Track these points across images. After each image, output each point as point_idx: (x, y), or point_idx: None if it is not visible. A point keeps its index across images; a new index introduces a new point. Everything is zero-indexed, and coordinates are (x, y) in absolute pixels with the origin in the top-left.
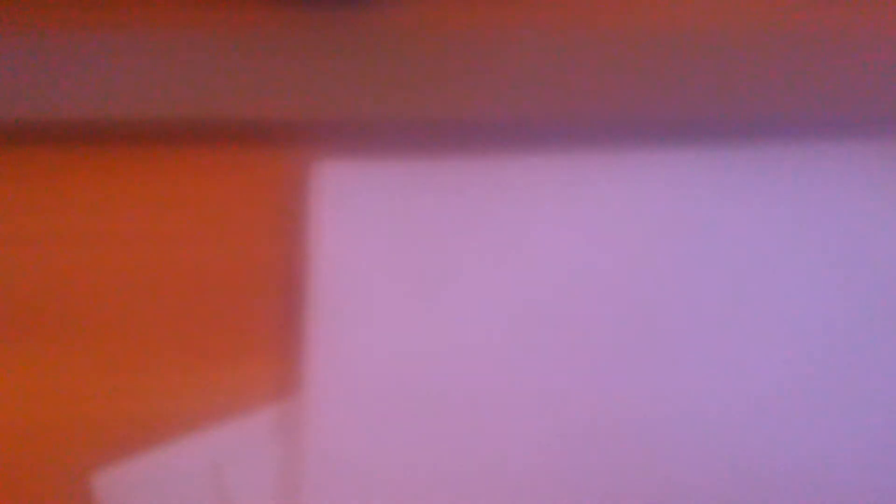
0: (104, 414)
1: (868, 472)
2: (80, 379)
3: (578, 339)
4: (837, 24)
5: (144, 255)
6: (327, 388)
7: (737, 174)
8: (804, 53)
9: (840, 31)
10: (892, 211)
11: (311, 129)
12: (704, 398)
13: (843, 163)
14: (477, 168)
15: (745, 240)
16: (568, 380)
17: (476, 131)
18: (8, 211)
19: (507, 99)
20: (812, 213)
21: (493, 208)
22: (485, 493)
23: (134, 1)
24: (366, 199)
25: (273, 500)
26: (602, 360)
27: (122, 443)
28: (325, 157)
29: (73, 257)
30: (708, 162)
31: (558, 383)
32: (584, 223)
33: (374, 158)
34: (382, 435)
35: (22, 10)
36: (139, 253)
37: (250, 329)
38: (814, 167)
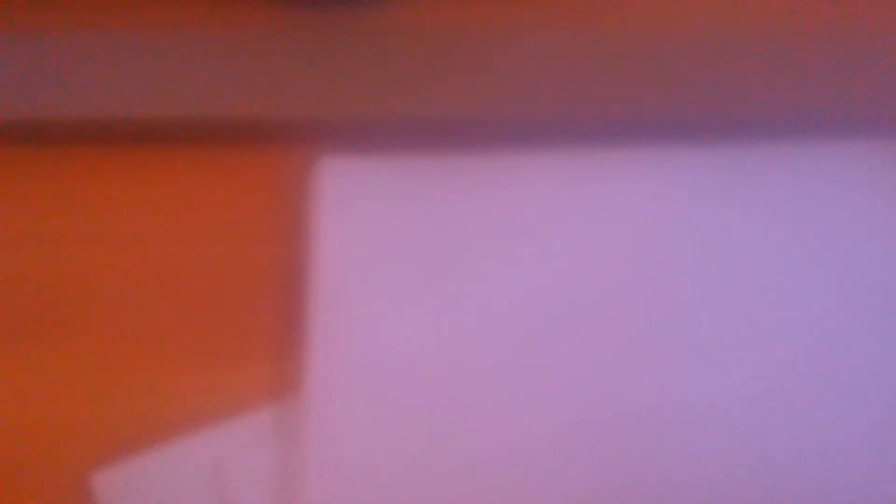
0: (104, 414)
1: (866, 469)
2: (80, 379)
3: (580, 337)
4: (837, 24)
5: (144, 255)
6: (327, 388)
7: (736, 174)
8: (804, 53)
9: (840, 31)
10: (891, 211)
11: (312, 128)
12: (703, 395)
13: (843, 163)
14: (477, 167)
15: (744, 238)
16: (570, 378)
17: (476, 130)
18: (8, 211)
19: (507, 98)
20: (811, 213)
21: (494, 207)
22: (485, 492)
23: (134, 1)
24: (366, 199)
25: (273, 500)
26: (604, 356)
27: (122, 443)
28: (326, 157)
29: (73, 257)
30: (708, 162)
31: (559, 382)
32: (583, 221)
33: (374, 157)
34: (383, 434)
35: (22, 10)
36: (139, 253)
37: (251, 329)
38: (814, 167)
